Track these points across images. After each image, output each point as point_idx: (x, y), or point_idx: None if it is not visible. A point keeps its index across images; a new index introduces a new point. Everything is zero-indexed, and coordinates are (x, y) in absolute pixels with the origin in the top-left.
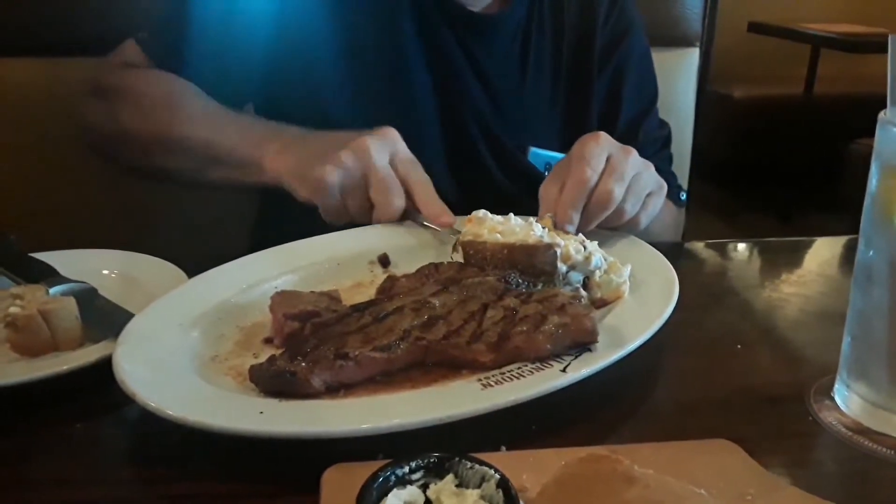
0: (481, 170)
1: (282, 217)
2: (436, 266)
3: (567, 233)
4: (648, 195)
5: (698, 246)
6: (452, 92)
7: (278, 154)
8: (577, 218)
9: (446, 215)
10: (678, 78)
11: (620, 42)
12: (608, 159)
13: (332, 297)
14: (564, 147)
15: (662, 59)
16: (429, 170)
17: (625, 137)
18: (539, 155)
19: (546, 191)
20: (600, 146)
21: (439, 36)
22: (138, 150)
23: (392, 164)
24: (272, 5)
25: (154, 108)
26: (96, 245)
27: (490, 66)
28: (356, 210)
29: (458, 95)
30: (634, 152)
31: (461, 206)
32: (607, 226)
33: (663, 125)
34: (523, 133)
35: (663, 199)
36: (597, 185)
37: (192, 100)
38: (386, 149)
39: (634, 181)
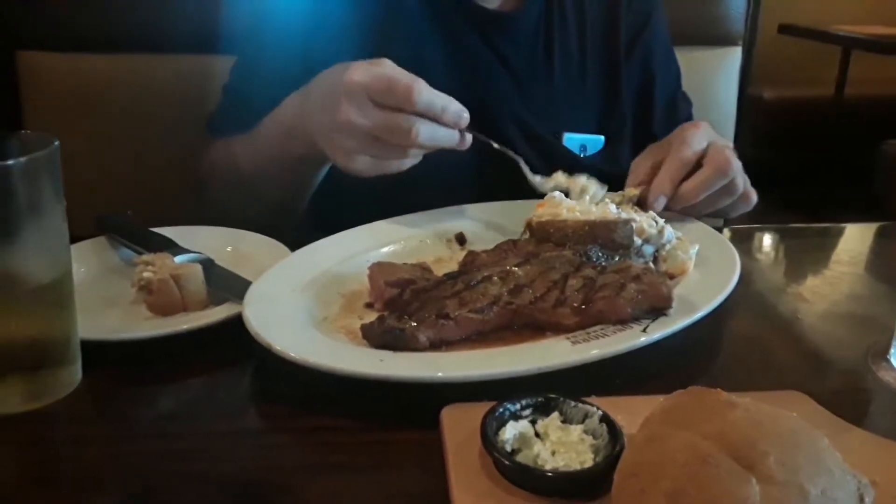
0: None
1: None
2: (513, 242)
3: (649, 209)
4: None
5: (747, 229)
6: (482, 89)
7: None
8: (671, 190)
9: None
10: (719, 77)
11: (646, 23)
12: (709, 144)
13: (424, 267)
14: (599, 129)
15: (704, 59)
16: (463, 164)
17: (666, 115)
18: (574, 139)
19: (638, 165)
20: (701, 132)
21: (464, 37)
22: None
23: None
24: (304, 53)
25: (226, 171)
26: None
27: (517, 59)
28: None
29: (488, 92)
30: (731, 144)
31: (500, 195)
32: (719, 204)
33: (687, 99)
34: (556, 120)
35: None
36: (705, 154)
37: (239, 142)
38: (363, 100)
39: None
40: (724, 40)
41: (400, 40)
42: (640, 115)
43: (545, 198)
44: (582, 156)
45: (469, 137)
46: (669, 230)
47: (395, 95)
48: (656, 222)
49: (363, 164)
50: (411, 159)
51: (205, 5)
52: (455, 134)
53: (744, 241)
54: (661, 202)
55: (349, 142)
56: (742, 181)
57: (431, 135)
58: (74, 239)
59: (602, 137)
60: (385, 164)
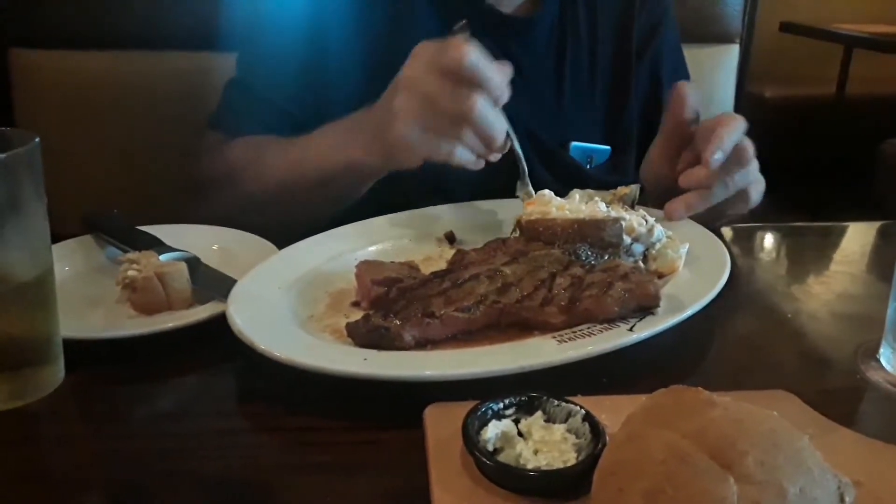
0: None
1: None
2: (503, 240)
3: (703, 165)
4: (753, 182)
5: (740, 228)
6: None
7: (353, 143)
8: (730, 148)
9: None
10: (717, 75)
11: (657, 29)
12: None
13: (412, 266)
14: (605, 139)
15: (702, 56)
16: (468, 172)
17: None
18: (580, 148)
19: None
20: (739, 121)
21: (477, 40)
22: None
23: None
24: (313, 49)
25: (254, 172)
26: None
27: (529, 66)
28: (445, 128)
29: None
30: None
31: (491, 194)
32: (714, 199)
33: None
34: (564, 129)
35: (762, 190)
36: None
37: (274, 144)
38: (430, 64)
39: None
40: (721, 38)
41: (411, 41)
42: (647, 123)
43: (535, 196)
44: (588, 167)
45: (509, 144)
46: (659, 229)
47: (456, 62)
48: (646, 221)
49: (414, 135)
50: (462, 150)
51: (200, 1)
52: (504, 121)
53: (743, 240)
54: (721, 157)
55: (408, 102)
56: (740, 178)
57: (487, 111)
58: (65, 237)
59: (608, 148)
60: (435, 142)
